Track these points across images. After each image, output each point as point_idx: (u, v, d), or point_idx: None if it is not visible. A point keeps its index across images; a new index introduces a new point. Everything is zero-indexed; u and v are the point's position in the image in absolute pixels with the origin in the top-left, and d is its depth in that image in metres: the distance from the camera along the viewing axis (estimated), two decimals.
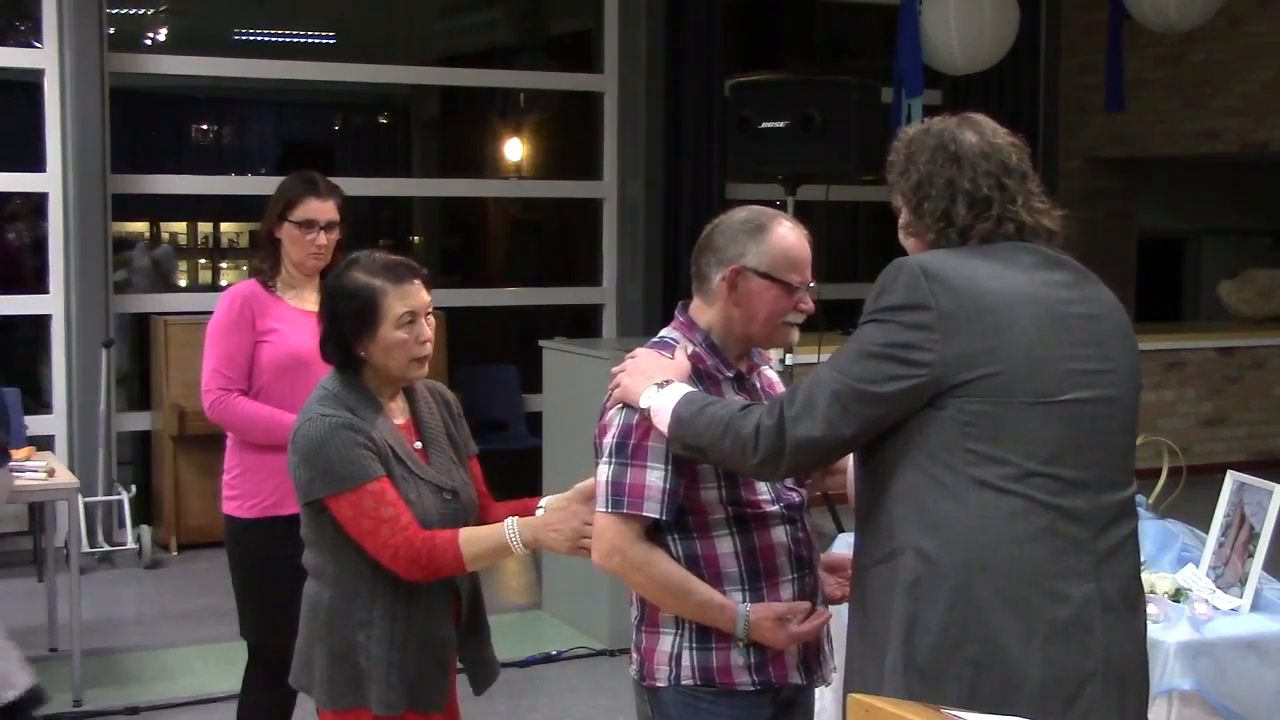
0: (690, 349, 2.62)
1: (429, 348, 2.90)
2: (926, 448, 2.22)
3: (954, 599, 2.19)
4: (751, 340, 2.66)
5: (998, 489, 2.19)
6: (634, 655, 2.67)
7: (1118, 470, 2.30)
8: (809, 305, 2.63)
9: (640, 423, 2.52)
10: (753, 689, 2.55)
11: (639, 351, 2.59)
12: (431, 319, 2.91)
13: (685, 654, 2.59)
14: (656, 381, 2.48)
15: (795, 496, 2.66)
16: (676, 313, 2.70)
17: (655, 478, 2.52)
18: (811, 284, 2.61)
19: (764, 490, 2.59)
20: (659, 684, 2.61)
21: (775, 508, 2.61)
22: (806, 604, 2.60)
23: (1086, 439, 2.24)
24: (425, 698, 2.87)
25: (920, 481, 2.22)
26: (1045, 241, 2.34)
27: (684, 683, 2.58)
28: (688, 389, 2.47)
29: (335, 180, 3.89)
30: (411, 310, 2.83)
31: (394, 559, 2.77)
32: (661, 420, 2.44)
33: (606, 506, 2.55)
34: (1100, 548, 2.25)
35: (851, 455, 2.53)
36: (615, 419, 2.57)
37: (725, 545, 2.58)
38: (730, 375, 2.64)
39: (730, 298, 2.59)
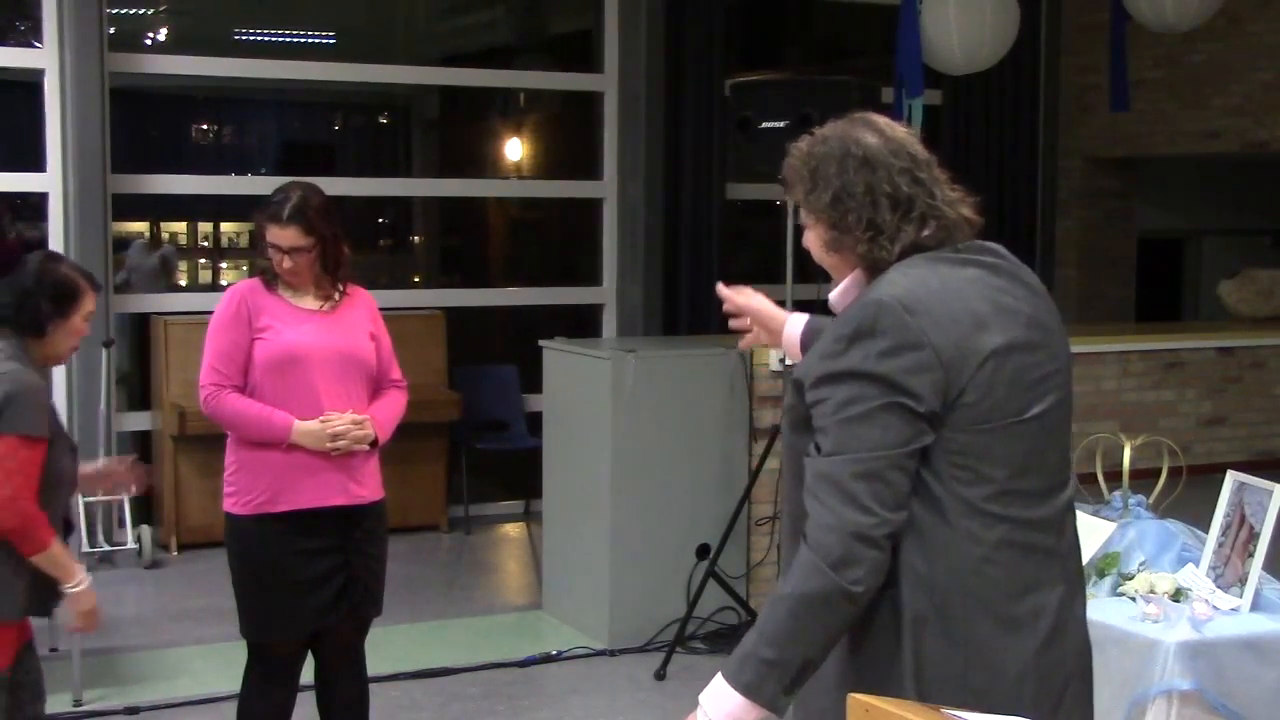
0: None
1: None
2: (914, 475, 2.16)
3: (953, 629, 2.15)
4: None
5: (982, 512, 2.15)
6: None
7: (1065, 468, 2.28)
8: None
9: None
10: None
11: None
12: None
13: None
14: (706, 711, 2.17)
15: None
16: None
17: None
18: None
19: None
20: None
21: None
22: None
23: (1045, 446, 2.21)
24: None
25: (913, 508, 2.15)
26: (969, 235, 2.26)
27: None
28: (714, 685, 2.17)
29: (335, 180, 3.91)
30: (92, 312, 3.41)
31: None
32: (738, 711, 2.13)
33: None
34: (1063, 549, 2.25)
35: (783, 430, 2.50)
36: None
37: None
38: None
39: None
